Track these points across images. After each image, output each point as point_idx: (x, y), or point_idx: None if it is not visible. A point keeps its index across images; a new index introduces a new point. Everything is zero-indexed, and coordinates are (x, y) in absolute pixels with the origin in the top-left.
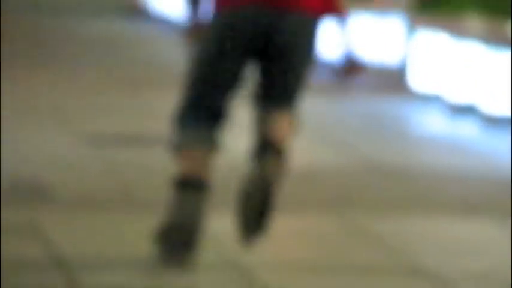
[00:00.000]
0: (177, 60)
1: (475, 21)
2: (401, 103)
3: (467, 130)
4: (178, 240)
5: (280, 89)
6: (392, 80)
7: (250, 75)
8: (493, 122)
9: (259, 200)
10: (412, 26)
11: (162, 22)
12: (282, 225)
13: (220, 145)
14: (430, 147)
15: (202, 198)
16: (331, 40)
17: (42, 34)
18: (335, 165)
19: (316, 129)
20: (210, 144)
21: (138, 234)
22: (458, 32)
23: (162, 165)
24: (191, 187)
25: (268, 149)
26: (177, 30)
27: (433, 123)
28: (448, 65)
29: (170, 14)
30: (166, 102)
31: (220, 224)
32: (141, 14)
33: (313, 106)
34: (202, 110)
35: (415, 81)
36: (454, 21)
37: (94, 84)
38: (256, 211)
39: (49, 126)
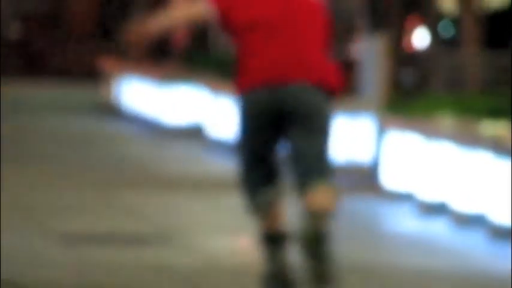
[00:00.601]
0: (151, 158)
1: (446, 121)
2: (373, 201)
3: (438, 229)
4: (279, 284)
5: (308, 158)
6: (363, 179)
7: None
8: (465, 220)
9: (313, 261)
10: (383, 127)
11: (136, 120)
12: None
13: (281, 195)
14: (401, 245)
15: (285, 245)
16: None
17: (16, 132)
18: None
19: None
20: (274, 199)
21: None
22: (430, 132)
23: (134, 263)
24: (273, 240)
25: (311, 219)
26: (152, 128)
27: (404, 222)
28: (419, 165)
29: (144, 112)
30: (140, 200)
31: None
32: (116, 112)
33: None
34: (258, 177)
35: (387, 180)
36: (425, 121)
37: (68, 183)
38: (315, 268)
39: (23, 225)
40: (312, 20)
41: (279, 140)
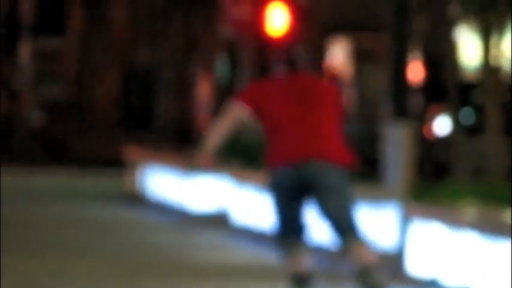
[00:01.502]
0: (175, 246)
1: (470, 210)
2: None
3: None
4: None
5: (338, 223)
6: (388, 266)
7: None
8: None
9: None
10: (407, 215)
11: (161, 208)
12: None
13: (307, 246)
14: None
15: (310, 285)
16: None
17: (40, 220)
18: None
19: None
20: (301, 248)
21: None
22: (454, 221)
23: None
24: (300, 281)
25: (363, 272)
26: (176, 216)
27: None
28: (444, 253)
29: (169, 200)
30: None
31: None
32: (140, 200)
33: None
34: (289, 233)
35: (412, 267)
36: (449, 210)
37: (91, 271)
38: None
39: None
40: (330, 108)
41: (304, 204)
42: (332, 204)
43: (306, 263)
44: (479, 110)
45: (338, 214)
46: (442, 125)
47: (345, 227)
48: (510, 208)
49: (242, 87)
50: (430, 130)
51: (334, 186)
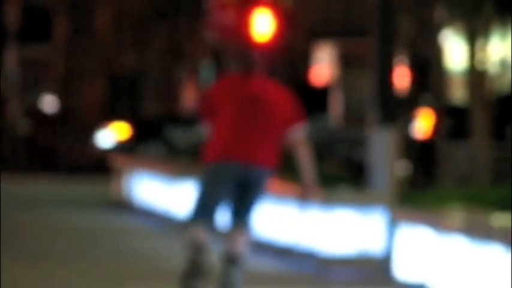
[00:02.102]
0: (162, 252)
1: (457, 214)
2: None
3: None
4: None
5: (243, 210)
6: (376, 270)
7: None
8: None
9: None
10: (395, 220)
11: (147, 214)
12: None
13: (214, 230)
14: None
15: (206, 253)
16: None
17: (27, 228)
18: None
19: None
20: (208, 229)
21: None
22: (441, 225)
23: None
24: (198, 248)
25: (230, 259)
26: (163, 222)
27: None
28: (431, 257)
29: (155, 207)
30: None
31: None
32: (127, 207)
33: None
34: (203, 214)
35: (400, 271)
36: (436, 215)
37: (75, 277)
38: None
39: None
40: (274, 113)
41: (224, 198)
42: (246, 197)
43: (207, 237)
44: (463, 114)
45: (244, 204)
46: (428, 129)
47: (242, 215)
48: (498, 212)
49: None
50: (416, 134)
51: (256, 186)
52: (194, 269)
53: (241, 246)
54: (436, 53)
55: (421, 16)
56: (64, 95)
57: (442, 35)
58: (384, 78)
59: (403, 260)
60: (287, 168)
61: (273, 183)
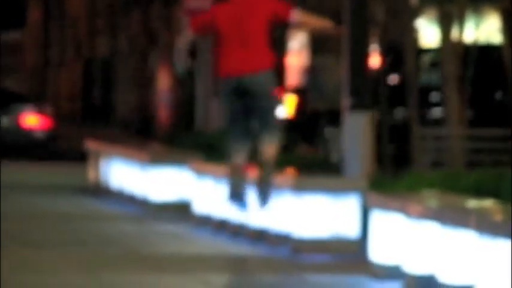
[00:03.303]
0: (138, 238)
1: (430, 199)
2: (360, 276)
3: None
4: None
5: (262, 120)
6: (350, 254)
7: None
8: None
9: (263, 181)
10: (368, 205)
11: (123, 199)
12: None
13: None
14: None
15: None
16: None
17: (1, 212)
18: None
19: None
20: (247, 146)
21: None
22: (414, 211)
23: None
24: (238, 173)
25: (264, 162)
26: (138, 206)
27: None
28: (405, 242)
29: (131, 191)
30: (124, 279)
31: None
32: (102, 192)
33: (260, 284)
34: (239, 134)
35: (373, 255)
36: (409, 200)
37: (50, 262)
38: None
39: None
40: (261, 21)
41: (247, 108)
42: (260, 105)
43: (245, 160)
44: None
45: (264, 114)
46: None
47: (266, 126)
48: (471, 197)
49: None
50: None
51: (263, 90)
52: (236, 187)
53: (270, 153)
54: (409, 38)
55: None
56: (39, 80)
57: (416, 21)
58: (357, 64)
59: (378, 244)
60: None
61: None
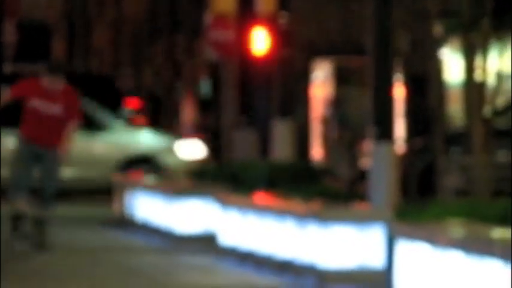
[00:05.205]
0: (164, 270)
1: (456, 229)
2: None
3: None
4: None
5: (45, 186)
6: (375, 285)
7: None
8: None
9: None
10: (393, 235)
11: (148, 231)
12: None
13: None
14: None
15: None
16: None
17: (25, 246)
18: None
19: None
20: (25, 196)
21: None
22: (439, 240)
23: None
24: (18, 217)
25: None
26: (163, 238)
27: None
28: (430, 273)
29: (156, 224)
30: None
31: None
32: (128, 224)
33: None
34: (20, 183)
35: (399, 285)
36: (435, 229)
37: None
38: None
39: None
40: (65, 108)
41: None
42: (47, 171)
43: (26, 206)
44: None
45: (48, 180)
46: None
47: (48, 192)
48: (497, 226)
49: (224, 107)
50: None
51: (52, 162)
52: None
53: (45, 211)
54: (434, 68)
55: (418, 32)
56: None
57: (440, 50)
58: (382, 95)
59: (403, 274)
60: (286, 185)
61: (272, 199)
